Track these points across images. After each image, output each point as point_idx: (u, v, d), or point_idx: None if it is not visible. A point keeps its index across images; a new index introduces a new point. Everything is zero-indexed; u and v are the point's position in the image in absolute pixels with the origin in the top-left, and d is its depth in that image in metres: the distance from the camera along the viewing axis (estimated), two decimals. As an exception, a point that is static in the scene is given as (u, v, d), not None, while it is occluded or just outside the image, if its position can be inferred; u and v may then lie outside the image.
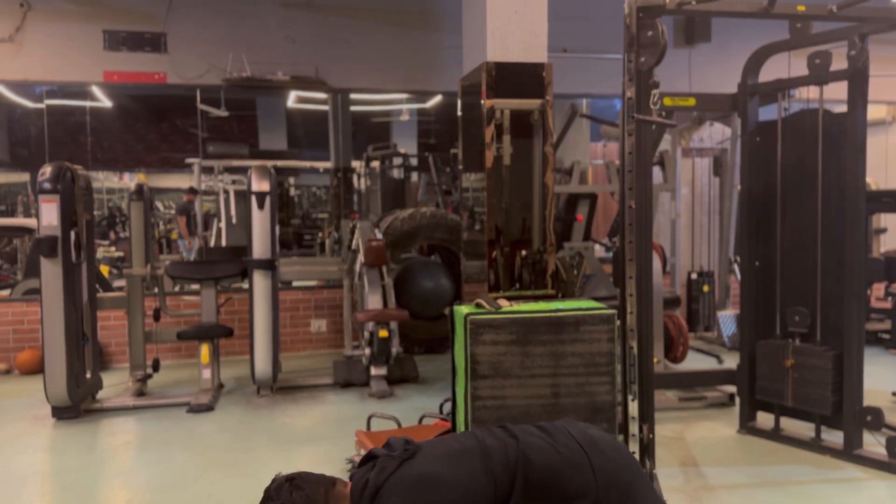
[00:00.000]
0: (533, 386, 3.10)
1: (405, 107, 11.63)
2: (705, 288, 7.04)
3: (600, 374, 3.14)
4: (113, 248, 10.06)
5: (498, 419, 3.07)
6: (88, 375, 5.03)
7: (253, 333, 5.17)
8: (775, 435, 4.20)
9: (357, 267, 5.94)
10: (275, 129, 12.63)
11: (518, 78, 4.03)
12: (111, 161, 13.83)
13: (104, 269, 7.92)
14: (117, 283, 7.37)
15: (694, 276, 7.08)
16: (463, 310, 3.15)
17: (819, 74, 3.99)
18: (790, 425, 4.21)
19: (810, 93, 4.07)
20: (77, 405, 4.80)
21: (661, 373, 4.97)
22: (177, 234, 9.21)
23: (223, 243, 9.73)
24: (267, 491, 2.18)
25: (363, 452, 3.72)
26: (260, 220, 5.11)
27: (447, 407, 3.98)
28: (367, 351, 5.42)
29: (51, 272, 4.64)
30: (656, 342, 4.91)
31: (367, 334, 5.45)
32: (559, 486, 2.16)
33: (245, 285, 5.74)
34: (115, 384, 5.55)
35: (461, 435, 2.43)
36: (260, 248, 5.12)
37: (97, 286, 5.67)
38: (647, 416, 3.32)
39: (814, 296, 4.05)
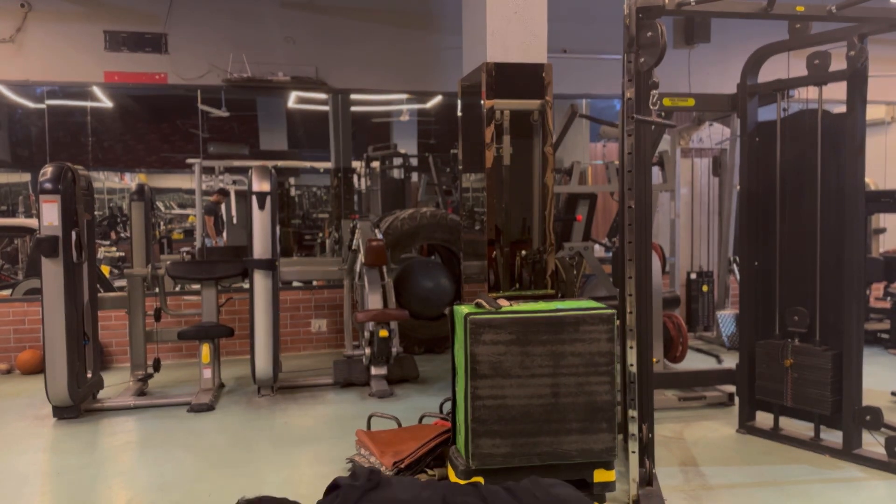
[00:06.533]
0: (533, 386, 3.11)
1: (405, 107, 11.62)
2: (705, 288, 7.06)
3: (600, 374, 3.16)
4: (114, 248, 10.06)
5: (498, 419, 3.09)
6: (89, 375, 5.04)
7: (253, 333, 5.18)
8: (774, 434, 4.21)
9: (357, 267, 5.95)
10: (275, 130, 12.63)
11: (518, 78, 4.03)
12: (112, 161, 13.80)
13: (105, 269, 7.93)
14: (118, 283, 7.38)
15: (693, 276, 7.09)
16: (463, 310, 3.16)
17: (818, 75, 4.00)
18: (789, 425, 4.22)
19: (809, 93, 4.07)
20: (78, 405, 4.82)
21: (661, 372, 4.98)
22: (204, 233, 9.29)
23: (223, 243, 9.76)
24: None
25: (363, 452, 3.74)
26: (260, 221, 5.12)
27: (447, 406, 3.99)
28: (368, 351, 5.43)
29: (52, 272, 4.65)
30: (656, 342, 4.92)
31: (367, 334, 5.46)
32: None
33: (245, 285, 5.75)
34: (115, 384, 5.57)
35: (430, 484, 2.46)
36: (260, 248, 5.13)
37: (98, 286, 5.69)
38: (646, 416, 3.33)
39: (813, 296, 4.06)
